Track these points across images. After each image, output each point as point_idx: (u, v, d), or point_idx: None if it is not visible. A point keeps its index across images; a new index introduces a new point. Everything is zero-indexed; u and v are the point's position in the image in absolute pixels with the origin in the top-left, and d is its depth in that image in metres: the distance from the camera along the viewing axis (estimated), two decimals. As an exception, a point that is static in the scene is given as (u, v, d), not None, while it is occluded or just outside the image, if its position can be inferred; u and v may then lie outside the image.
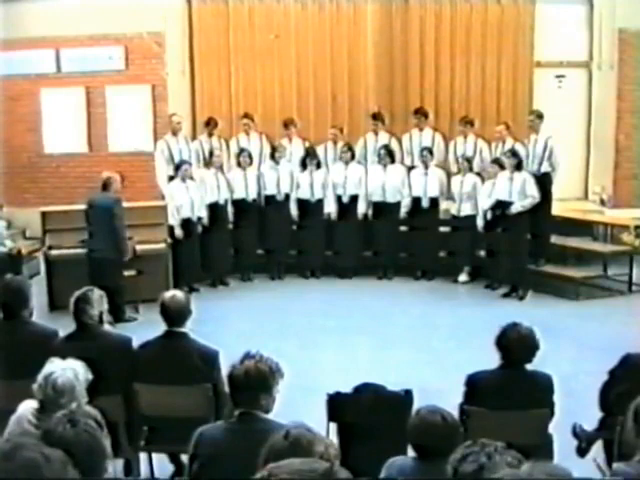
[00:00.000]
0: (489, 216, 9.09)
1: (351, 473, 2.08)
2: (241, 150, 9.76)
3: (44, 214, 8.69)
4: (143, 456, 4.61)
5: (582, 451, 4.41)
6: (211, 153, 9.62)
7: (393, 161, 9.73)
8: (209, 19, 10.70)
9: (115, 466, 2.83)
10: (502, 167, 9.00)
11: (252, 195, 9.70)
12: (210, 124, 10.00)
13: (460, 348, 7.00)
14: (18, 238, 10.12)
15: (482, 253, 9.39)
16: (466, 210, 9.40)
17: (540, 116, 9.36)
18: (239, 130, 10.23)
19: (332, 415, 4.21)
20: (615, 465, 3.03)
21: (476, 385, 4.25)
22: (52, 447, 2.25)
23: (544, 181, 9.13)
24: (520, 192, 8.74)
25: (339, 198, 9.76)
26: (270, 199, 9.79)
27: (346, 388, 4.28)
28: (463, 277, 9.57)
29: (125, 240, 7.92)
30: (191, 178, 9.22)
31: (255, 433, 3.07)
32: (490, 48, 10.57)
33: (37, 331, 4.82)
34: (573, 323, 7.87)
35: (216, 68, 10.76)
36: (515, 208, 8.73)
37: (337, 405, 4.23)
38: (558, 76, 10.97)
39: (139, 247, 8.29)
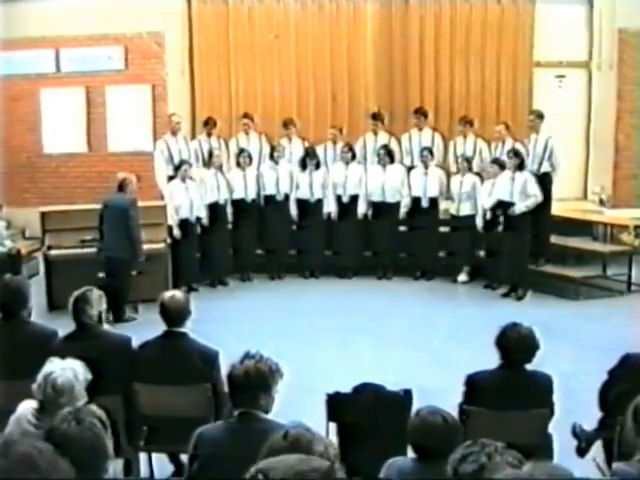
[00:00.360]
0: (489, 216, 9.09)
1: (351, 473, 2.07)
2: (241, 150, 9.75)
3: (43, 214, 8.69)
4: (143, 456, 4.60)
5: (582, 451, 4.41)
6: (211, 153, 9.62)
7: (393, 161, 9.73)
8: (209, 19, 10.70)
9: (115, 466, 2.82)
10: (502, 167, 9.00)
11: (251, 195, 9.70)
12: (209, 124, 9.99)
13: (460, 348, 6.99)
14: (17, 238, 10.11)
15: (482, 253, 9.40)
16: (465, 210, 9.40)
17: (540, 116, 9.36)
18: (239, 130, 10.23)
19: (332, 415, 4.20)
20: (615, 465, 3.03)
21: (476, 385, 4.25)
22: (55, 444, 2.26)
23: (544, 181, 9.13)
24: (521, 192, 8.73)
25: (339, 198, 9.76)
26: (269, 199, 9.79)
27: (346, 388, 4.28)
28: (463, 277, 9.57)
29: (140, 242, 7.96)
30: (190, 178, 9.22)
31: (255, 433, 3.07)
32: (490, 48, 10.58)
33: (36, 331, 4.81)
34: (573, 323, 7.87)
35: (216, 68, 10.76)
36: (519, 209, 8.71)
37: (337, 405, 4.22)
38: (558, 76, 10.98)
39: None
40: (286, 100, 10.71)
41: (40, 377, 3.43)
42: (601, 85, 10.87)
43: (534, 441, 4.00)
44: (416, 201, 9.65)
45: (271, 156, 9.87)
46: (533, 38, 10.59)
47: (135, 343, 4.69)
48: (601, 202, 10.67)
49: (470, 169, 9.47)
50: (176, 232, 9.03)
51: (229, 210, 9.62)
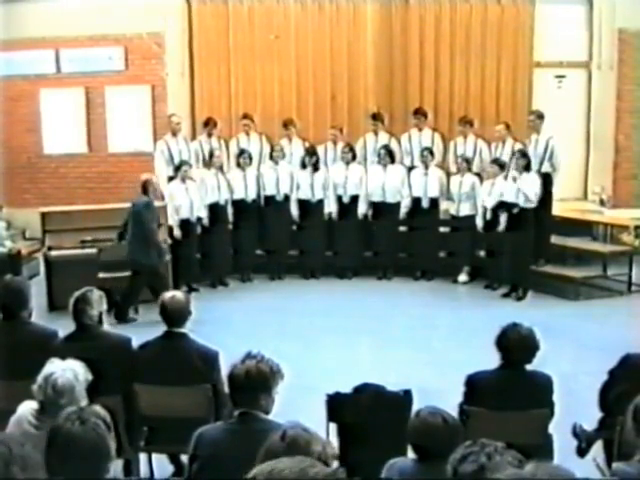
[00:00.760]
0: (489, 216, 9.09)
1: (351, 474, 2.07)
2: (241, 151, 9.75)
3: (44, 215, 8.70)
4: (143, 456, 4.60)
5: (582, 451, 4.41)
6: (211, 154, 9.61)
7: (393, 161, 9.73)
8: (209, 19, 10.70)
9: (115, 466, 2.82)
10: (502, 167, 9.01)
11: (252, 195, 9.70)
12: (209, 124, 9.99)
13: (460, 348, 6.99)
14: (18, 239, 10.11)
15: (482, 253, 9.40)
16: (465, 210, 9.40)
17: (541, 116, 9.35)
18: (239, 130, 10.22)
19: (332, 415, 4.20)
20: (615, 465, 3.04)
21: (476, 385, 4.25)
22: (57, 443, 2.25)
23: (545, 181, 9.12)
24: (525, 193, 8.72)
25: (339, 198, 9.76)
26: (270, 199, 9.80)
27: (346, 388, 4.28)
28: (463, 277, 9.57)
29: (156, 243, 7.94)
30: (190, 179, 9.22)
31: (255, 433, 3.07)
32: (490, 48, 10.58)
33: (37, 332, 4.81)
34: (573, 323, 7.87)
35: (216, 68, 10.76)
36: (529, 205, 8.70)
37: (337, 405, 4.22)
38: (558, 76, 10.98)
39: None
40: (286, 100, 10.71)
41: (40, 378, 3.43)
42: (601, 85, 10.87)
43: (534, 441, 4.00)
44: (416, 201, 9.65)
45: (271, 156, 9.88)
46: (533, 38, 10.59)
47: (135, 343, 4.69)
48: (601, 202, 10.66)
49: (469, 169, 9.47)
50: (176, 232, 9.03)
51: (229, 210, 9.62)
